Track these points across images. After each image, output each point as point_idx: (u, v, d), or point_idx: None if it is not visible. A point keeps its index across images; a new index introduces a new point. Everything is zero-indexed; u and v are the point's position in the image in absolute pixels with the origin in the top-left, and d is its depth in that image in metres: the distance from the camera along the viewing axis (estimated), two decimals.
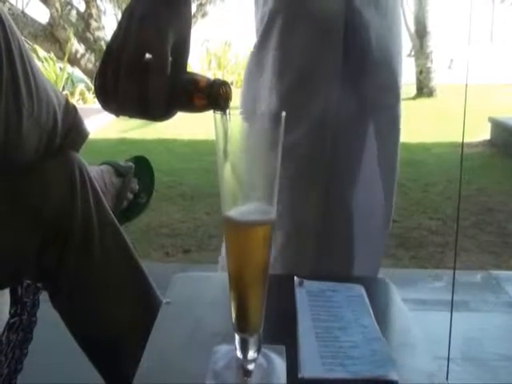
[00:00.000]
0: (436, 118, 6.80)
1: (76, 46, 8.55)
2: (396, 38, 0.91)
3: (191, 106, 0.60)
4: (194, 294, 0.75)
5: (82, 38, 8.82)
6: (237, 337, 0.56)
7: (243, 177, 0.54)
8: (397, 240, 2.95)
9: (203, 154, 4.77)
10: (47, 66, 7.75)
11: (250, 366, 0.56)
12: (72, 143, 0.96)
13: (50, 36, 8.54)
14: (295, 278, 0.75)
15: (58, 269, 0.89)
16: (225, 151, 0.52)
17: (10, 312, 0.94)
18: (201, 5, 10.15)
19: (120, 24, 0.61)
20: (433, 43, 8.81)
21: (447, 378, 1.27)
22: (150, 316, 0.70)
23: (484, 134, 5.61)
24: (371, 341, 0.62)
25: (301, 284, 0.74)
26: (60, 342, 1.03)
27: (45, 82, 0.92)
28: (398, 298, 0.75)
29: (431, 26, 8.80)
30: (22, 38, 0.90)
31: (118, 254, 0.94)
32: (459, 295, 2.13)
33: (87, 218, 0.90)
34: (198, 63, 9.89)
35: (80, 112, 0.99)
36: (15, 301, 0.95)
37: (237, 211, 0.53)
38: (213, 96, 0.58)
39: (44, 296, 0.97)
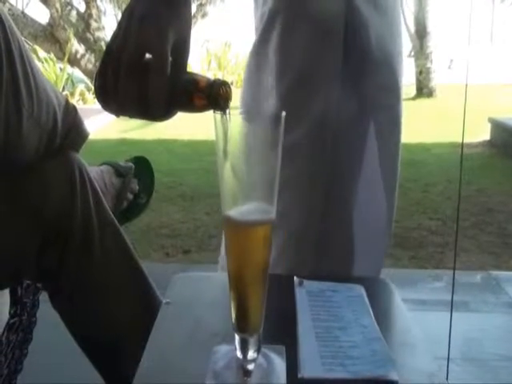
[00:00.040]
0: (436, 118, 6.80)
1: (76, 47, 8.56)
2: (396, 38, 0.90)
3: (191, 106, 0.60)
4: (194, 293, 0.75)
5: (82, 39, 8.83)
6: (237, 337, 0.56)
7: (243, 177, 0.54)
8: (397, 240, 2.95)
9: (203, 154, 4.78)
10: (47, 67, 7.75)
11: (250, 366, 0.56)
12: (72, 143, 0.96)
13: (50, 36, 8.55)
14: (295, 278, 0.75)
15: (58, 269, 0.90)
16: (225, 151, 0.52)
17: (9, 312, 0.94)
18: (201, 5, 10.16)
19: (120, 24, 0.61)
20: (433, 43, 8.82)
21: (447, 378, 1.27)
22: (150, 316, 0.70)
23: (484, 134, 5.61)
24: (371, 341, 0.62)
25: (301, 284, 0.74)
26: (60, 342, 1.03)
27: (45, 82, 0.93)
28: (397, 298, 0.75)
29: (431, 26, 8.81)
30: (22, 38, 0.90)
31: (118, 254, 0.94)
32: (459, 295, 2.13)
33: (87, 219, 0.90)
34: (198, 64, 9.90)
35: (80, 112, 0.99)
36: (15, 301, 0.95)
37: (237, 211, 0.53)
38: (213, 96, 0.58)
39: (44, 296, 0.97)
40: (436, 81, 8.80)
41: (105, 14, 10.40)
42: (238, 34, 8.79)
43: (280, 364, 0.57)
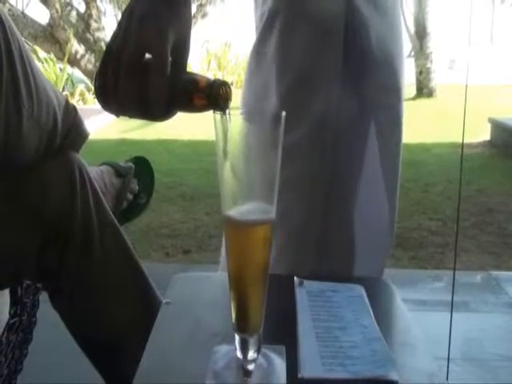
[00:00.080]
0: (436, 118, 6.80)
1: (76, 47, 8.56)
2: (397, 39, 0.90)
3: (191, 106, 0.60)
4: (194, 294, 0.75)
5: (81, 39, 8.83)
6: (237, 337, 0.56)
7: (243, 177, 0.54)
8: (397, 240, 2.95)
9: (203, 154, 4.78)
10: (47, 67, 7.75)
11: (250, 366, 0.56)
12: (72, 143, 0.96)
13: (50, 37, 8.55)
14: (295, 278, 0.75)
15: (58, 269, 0.90)
16: (225, 151, 0.52)
17: (9, 312, 0.94)
18: (201, 5, 10.16)
19: (120, 24, 0.61)
20: (432, 44, 8.82)
21: (447, 378, 1.28)
22: (150, 316, 0.70)
23: (484, 134, 5.61)
24: (371, 341, 0.62)
25: (301, 284, 0.74)
26: (60, 342, 1.03)
27: (45, 82, 0.93)
28: (398, 298, 0.75)
29: (431, 27, 8.82)
30: (22, 38, 0.90)
31: (118, 254, 0.94)
32: (459, 296, 2.13)
33: (87, 219, 0.90)
34: (198, 64, 9.90)
35: (80, 112, 0.99)
36: (15, 301, 0.95)
37: (237, 211, 0.53)
38: (213, 96, 0.58)
39: (44, 296, 0.97)
40: (436, 81, 8.81)
41: (105, 14, 10.42)
42: (238, 33, 8.79)
43: (280, 364, 0.57)
